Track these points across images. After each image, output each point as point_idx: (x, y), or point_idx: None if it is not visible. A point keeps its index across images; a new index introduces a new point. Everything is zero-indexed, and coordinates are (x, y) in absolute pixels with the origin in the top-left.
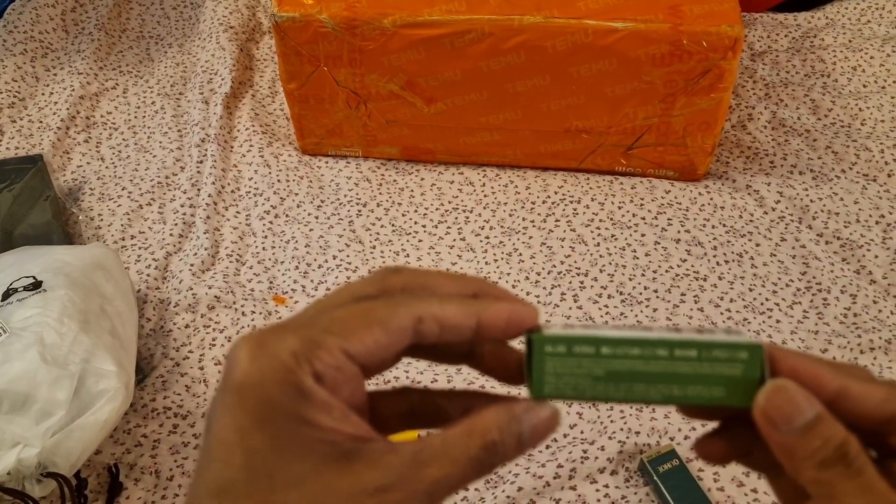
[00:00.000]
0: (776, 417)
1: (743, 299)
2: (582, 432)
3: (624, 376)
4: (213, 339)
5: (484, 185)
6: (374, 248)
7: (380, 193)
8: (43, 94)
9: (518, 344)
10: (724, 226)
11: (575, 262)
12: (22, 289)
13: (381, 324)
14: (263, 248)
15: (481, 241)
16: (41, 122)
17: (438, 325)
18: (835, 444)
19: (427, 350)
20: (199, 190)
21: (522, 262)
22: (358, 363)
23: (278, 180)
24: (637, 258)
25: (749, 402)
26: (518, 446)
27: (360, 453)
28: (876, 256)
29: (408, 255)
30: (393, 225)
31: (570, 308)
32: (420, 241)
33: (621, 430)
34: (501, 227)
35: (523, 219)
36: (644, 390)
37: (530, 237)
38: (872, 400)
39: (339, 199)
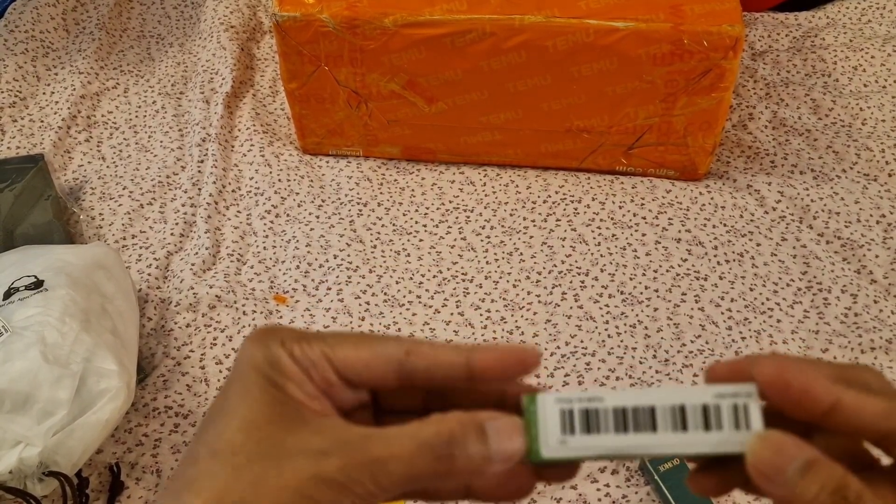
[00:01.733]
0: (766, 471)
1: (744, 299)
2: None
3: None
4: (214, 339)
5: (485, 184)
6: (374, 247)
7: (381, 193)
8: (44, 93)
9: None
10: (724, 225)
11: (576, 261)
12: (23, 288)
13: (370, 345)
14: (264, 248)
15: (482, 241)
16: (42, 121)
17: (426, 361)
18: (832, 489)
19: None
20: (199, 189)
21: (523, 261)
22: (340, 373)
23: (279, 180)
24: (638, 258)
25: (742, 447)
26: (485, 456)
27: (315, 422)
28: (877, 256)
29: (409, 255)
30: (394, 224)
31: (571, 308)
32: (421, 240)
33: None
34: (502, 226)
35: (524, 218)
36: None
37: (531, 237)
38: (869, 415)
39: (339, 199)
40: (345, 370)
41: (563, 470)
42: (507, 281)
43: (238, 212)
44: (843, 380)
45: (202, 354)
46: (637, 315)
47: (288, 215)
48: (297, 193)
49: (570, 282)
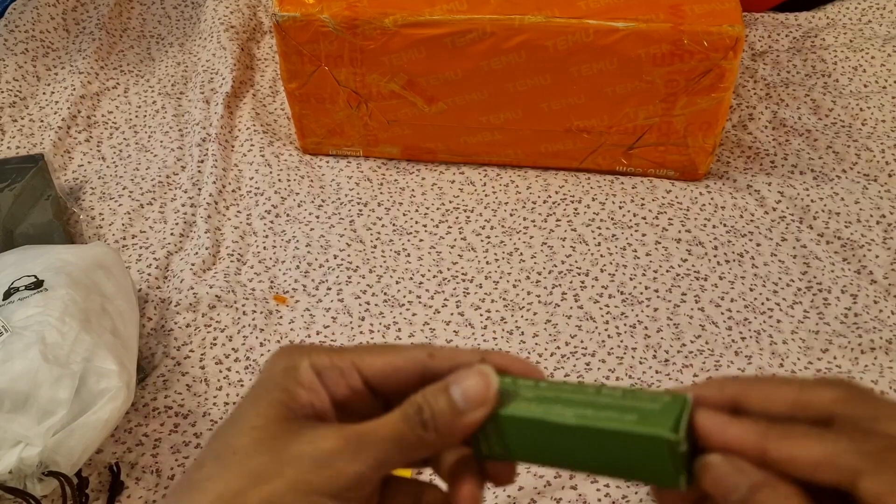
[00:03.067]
0: (716, 495)
1: (743, 299)
2: None
3: (562, 443)
4: (214, 339)
5: (485, 184)
6: (374, 247)
7: (381, 193)
8: (44, 93)
9: None
10: (724, 226)
11: (576, 261)
12: (23, 288)
13: (395, 350)
14: (264, 248)
15: (482, 241)
16: (42, 121)
17: (448, 362)
18: None
19: None
20: (199, 189)
21: (523, 261)
22: (367, 380)
23: (279, 180)
24: (638, 258)
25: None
26: (453, 407)
27: (312, 426)
28: (877, 256)
29: (409, 255)
30: (394, 224)
31: (571, 308)
32: (421, 240)
33: None
34: (502, 226)
35: (524, 218)
36: (574, 462)
37: (531, 237)
38: (806, 466)
39: (339, 199)
40: (373, 376)
41: (506, 467)
42: (507, 281)
43: (238, 212)
44: (798, 404)
45: (202, 354)
46: (637, 315)
47: (288, 215)
48: (297, 193)
49: (570, 282)
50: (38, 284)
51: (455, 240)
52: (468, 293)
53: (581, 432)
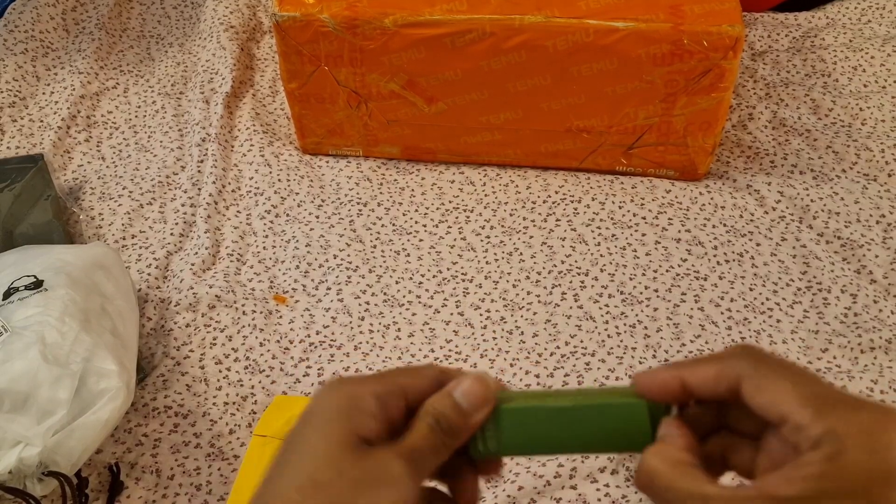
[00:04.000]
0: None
1: (743, 299)
2: None
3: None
4: (214, 339)
5: (485, 184)
6: (374, 247)
7: (380, 193)
8: (44, 93)
9: None
10: (724, 225)
11: (576, 261)
12: (23, 288)
13: (417, 372)
14: (264, 248)
15: (482, 241)
16: (42, 121)
17: (453, 375)
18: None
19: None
20: (199, 189)
21: (523, 261)
22: (408, 400)
23: (279, 180)
24: (638, 258)
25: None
26: (459, 410)
27: (377, 448)
28: (876, 256)
29: (408, 255)
30: (394, 224)
31: (571, 307)
32: (421, 240)
33: None
34: (502, 226)
35: (524, 218)
36: (561, 444)
37: (531, 237)
38: (706, 383)
39: (339, 199)
40: (414, 400)
41: (495, 461)
42: (507, 281)
43: (238, 212)
44: (686, 365)
45: (202, 354)
46: (637, 315)
47: (288, 215)
48: (297, 193)
49: (570, 282)
50: (37, 284)
51: (455, 240)
52: (468, 293)
53: (575, 413)
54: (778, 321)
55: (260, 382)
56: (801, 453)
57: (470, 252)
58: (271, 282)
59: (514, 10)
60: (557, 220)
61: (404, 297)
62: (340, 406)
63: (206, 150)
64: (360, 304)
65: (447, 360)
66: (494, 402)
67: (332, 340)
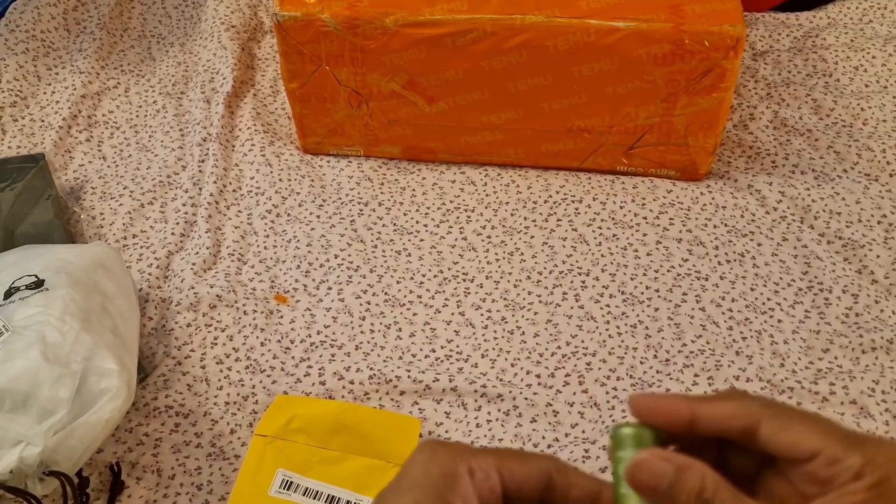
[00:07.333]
0: (648, 489)
1: (744, 299)
2: (584, 432)
3: None
4: (215, 339)
5: (485, 184)
6: (375, 247)
7: (381, 193)
8: (45, 93)
9: None
10: (725, 225)
11: (576, 261)
12: (24, 287)
13: (529, 459)
14: (265, 247)
15: (483, 241)
16: (43, 121)
17: (569, 480)
18: (694, 494)
19: None
20: (200, 189)
21: (524, 261)
22: (505, 483)
23: (280, 179)
24: (639, 258)
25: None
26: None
27: None
28: (878, 256)
29: (409, 255)
30: (395, 224)
31: (572, 308)
32: (422, 240)
33: None
34: (503, 226)
35: (525, 218)
36: None
37: (532, 237)
38: (719, 418)
39: (340, 199)
40: (511, 481)
41: None
42: (508, 281)
43: (239, 211)
44: (698, 399)
45: (203, 354)
46: (638, 315)
47: (289, 215)
48: (298, 193)
49: (571, 282)
50: (38, 284)
51: (456, 239)
52: (469, 293)
53: None
54: (779, 321)
55: (261, 382)
56: (838, 485)
57: (471, 252)
58: (272, 281)
59: (515, 9)
60: (558, 220)
61: (405, 296)
62: (435, 482)
63: (207, 149)
64: (361, 304)
65: (448, 359)
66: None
67: (333, 340)
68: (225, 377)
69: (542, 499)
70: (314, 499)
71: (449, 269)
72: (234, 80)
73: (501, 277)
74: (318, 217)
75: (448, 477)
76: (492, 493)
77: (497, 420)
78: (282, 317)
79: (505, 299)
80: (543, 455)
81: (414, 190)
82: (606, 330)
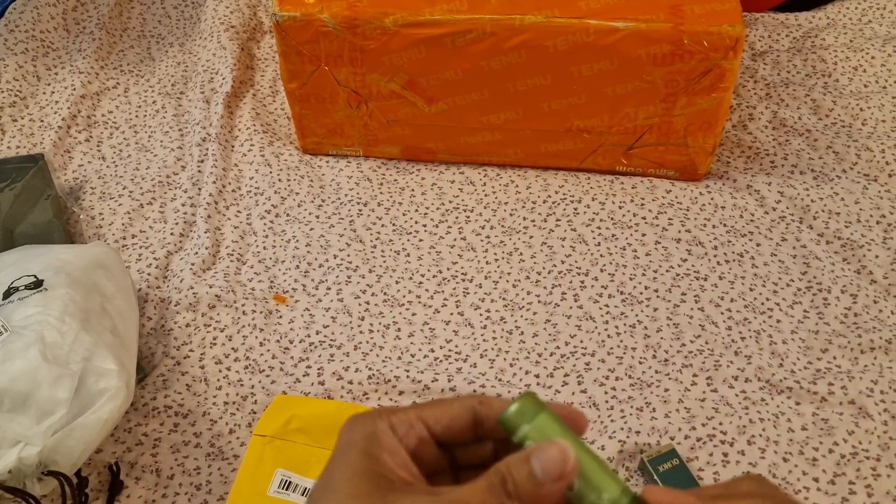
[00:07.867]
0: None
1: (743, 299)
2: None
3: None
4: (214, 339)
5: (485, 184)
6: (374, 247)
7: (380, 193)
8: (44, 93)
9: None
10: (724, 225)
11: (575, 261)
12: (23, 287)
13: (452, 400)
14: (264, 248)
15: (482, 241)
16: (42, 121)
17: (494, 410)
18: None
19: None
20: (199, 189)
21: (523, 261)
22: (431, 429)
23: (279, 179)
24: (638, 258)
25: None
26: (533, 479)
27: (403, 490)
28: (877, 256)
29: (408, 255)
30: (394, 224)
31: (571, 308)
32: (421, 240)
33: (621, 429)
34: (502, 226)
35: (524, 218)
36: None
37: (531, 237)
38: None
39: (339, 199)
40: (435, 425)
41: None
42: (507, 281)
43: (238, 211)
44: (716, 496)
45: (202, 354)
46: (637, 315)
47: (288, 215)
48: (297, 193)
49: (570, 282)
50: (37, 284)
51: (455, 240)
52: (468, 293)
53: None
54: (778, 321)
55: (260, 382)
56: None
57: (470, 252)
58: (271, 282)
59: (515, 10)
60: (557, 220)
61: (404, 296)
62: (357, 443)
63: (207, 149)
64: (360, 304)
65: (447, 359)
66: (573, 476)
67: (332, 340)
68: (224, 377)
69: (477, 435)
70: None
71: (448, 269)
72: (234, 80)
73: (500, 277)
74: (318, 217)
75: (370, 437)
76: (420, 440)
77: None
78: (281, 317)
79: (504, 299)
80: (466, 395)
81: (413, 190)
82: (605, 330)
